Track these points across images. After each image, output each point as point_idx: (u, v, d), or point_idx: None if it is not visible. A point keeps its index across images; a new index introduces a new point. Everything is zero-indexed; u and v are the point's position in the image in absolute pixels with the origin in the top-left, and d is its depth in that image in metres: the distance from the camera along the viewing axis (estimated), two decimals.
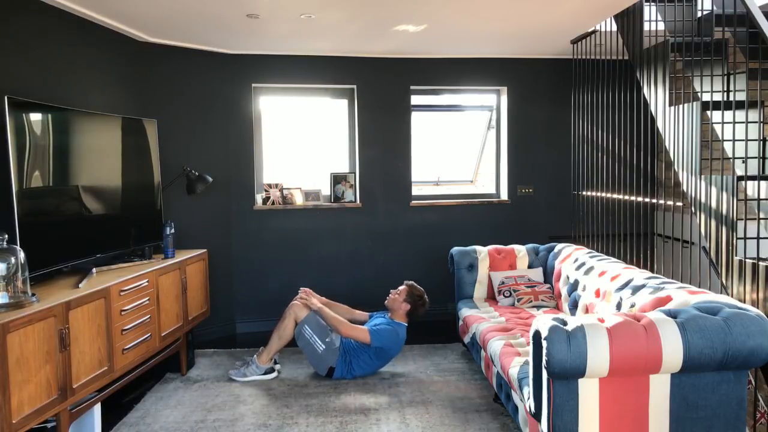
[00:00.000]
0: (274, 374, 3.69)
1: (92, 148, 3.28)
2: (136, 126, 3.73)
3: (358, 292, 4.87)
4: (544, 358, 2.03)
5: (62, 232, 2.99)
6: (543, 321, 2.12)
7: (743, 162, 3.08)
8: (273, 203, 4.77)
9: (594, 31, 4.05)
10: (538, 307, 3.81)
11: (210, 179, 4.27)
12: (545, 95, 5.06)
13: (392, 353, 3.70)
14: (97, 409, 2.90)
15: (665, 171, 4.73)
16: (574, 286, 3.51)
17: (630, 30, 3.76)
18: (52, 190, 2.93)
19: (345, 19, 3.71)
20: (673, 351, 2.00)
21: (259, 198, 4.82)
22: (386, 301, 3.85)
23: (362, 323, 3.85)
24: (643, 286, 2.71)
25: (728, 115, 3.11)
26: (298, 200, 4.84)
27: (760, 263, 2.65)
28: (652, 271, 3.84)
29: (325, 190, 4.96)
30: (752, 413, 2.70)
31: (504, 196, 5.18)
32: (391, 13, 3.59)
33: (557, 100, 5.02)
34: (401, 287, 3.85)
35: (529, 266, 4.18)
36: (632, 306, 2.65)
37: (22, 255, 2.44)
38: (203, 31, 3.95)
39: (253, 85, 4.71)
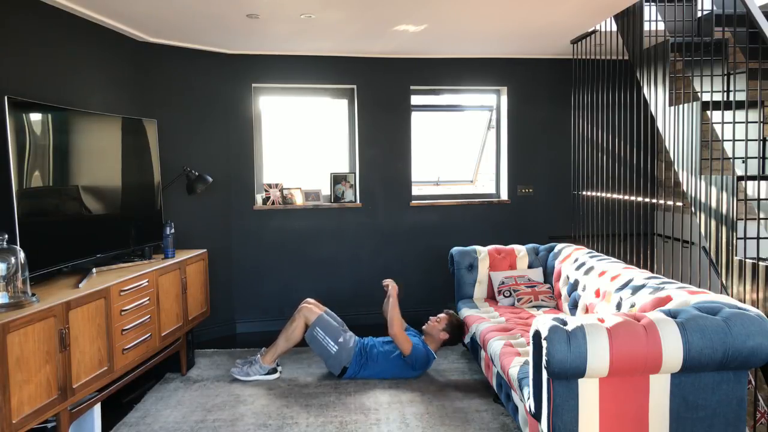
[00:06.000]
0: (276, 375, 3.69)
1: (92, 148, 3.28)
2: (136, 126, 3.73)
3: (358, 291, 4.88)
4: (544, 358, 2.03)
5: (62, 232, 2.99)
6: (543, 321, 2.12)
7: (743, 162, 3.08)
8: (273, 203, 4.77)
9: (594, 31, 4.05)
10: (538, 307, 3.81)
11: (210, 179, 4.27)
12: (545, 95, 5.06)
13: (408, 374, 3.63)
14: (97, 409, 2.90)
15: (665, 171, 4.73)
16: (574, 286, 3.51)
17: (630, 30, 3.76)
18: (52, 190, 2.93)
19: (345, 19, 3.71)
20: (673, 351, 2.01)
21: (259, 198, 4.82)
22: (425, 327, 3.79)
23: None
24: (643, 286, 2.71)
25: (728, 115, 3.11)
26: (298, 200, 4.84)
27: (760, 263, 2.65)
28: (652, 271, 3.84)
29: (325, 190, 4.96)
30: (752, 413, 2.70)
31: (504, 196, 5.18)
32: (391, 13, 3.59)
33: (557, 100, 5.02)
34: (441, 315, 3.78)
35: (529, 266, 4.19)
36: (632, 306, 2.65)
37: (22, 255, 2.44)
38: (203, 31, 3.96)
39: (253, 85, 4.71)
